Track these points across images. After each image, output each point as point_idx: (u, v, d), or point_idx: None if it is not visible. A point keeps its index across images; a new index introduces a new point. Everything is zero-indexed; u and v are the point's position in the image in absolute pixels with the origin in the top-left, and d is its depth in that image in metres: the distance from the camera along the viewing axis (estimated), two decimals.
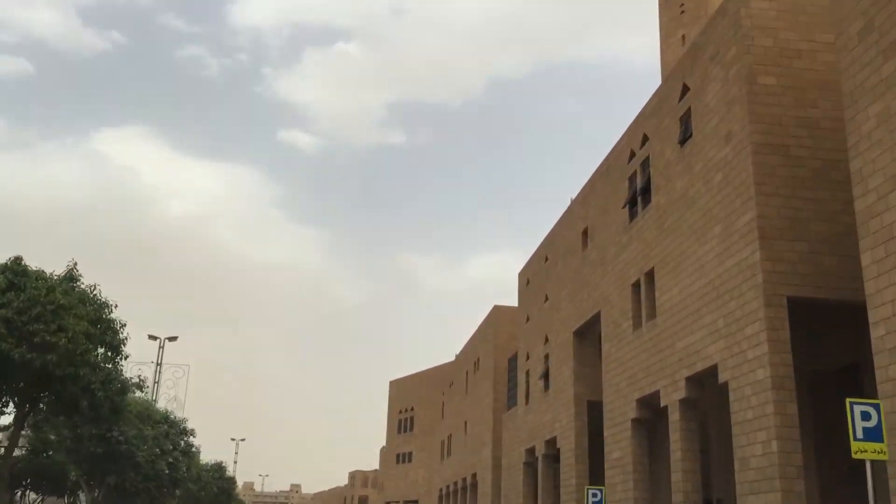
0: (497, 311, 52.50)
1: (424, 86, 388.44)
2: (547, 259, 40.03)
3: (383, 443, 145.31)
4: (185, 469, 32.57)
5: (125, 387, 19.56)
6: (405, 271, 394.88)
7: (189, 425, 35.42)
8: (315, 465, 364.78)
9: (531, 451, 40.68)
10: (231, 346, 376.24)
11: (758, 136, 20.69)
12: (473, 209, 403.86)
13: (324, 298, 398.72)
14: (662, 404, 24.81)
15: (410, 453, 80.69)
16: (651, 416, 27.33)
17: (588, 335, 34.55)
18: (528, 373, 42.27)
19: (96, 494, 27.80)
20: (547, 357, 38.54)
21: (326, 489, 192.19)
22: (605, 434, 29.70)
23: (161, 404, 41.81)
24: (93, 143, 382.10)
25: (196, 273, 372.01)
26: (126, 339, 19.47)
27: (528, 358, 42.34)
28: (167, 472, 29.83)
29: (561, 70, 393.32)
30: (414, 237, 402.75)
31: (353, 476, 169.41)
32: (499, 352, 51.12)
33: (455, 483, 61.64)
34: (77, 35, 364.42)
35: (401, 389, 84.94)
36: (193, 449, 35.73)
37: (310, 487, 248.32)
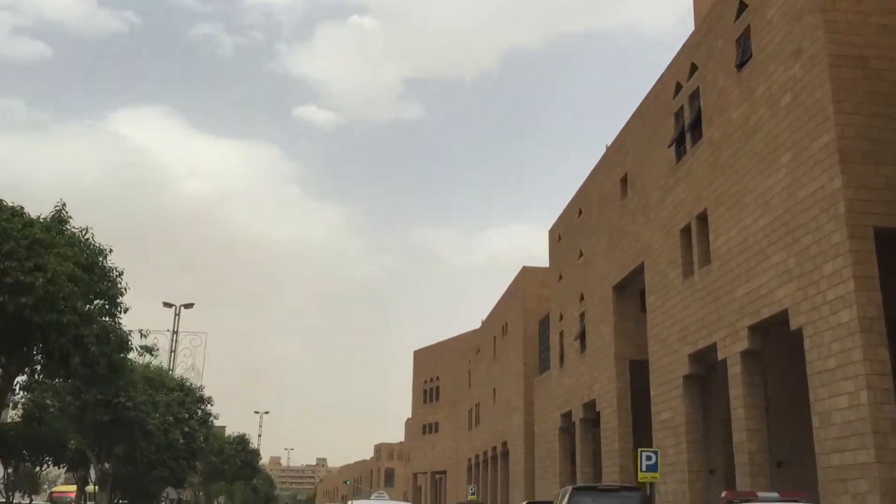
0: (525, 272, 50.21)
1: (440, 59, 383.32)
2: (581, 213, 37.61)
3: (408, 415, 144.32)
4: (202, 439, 30.70)
5: (123, 342, 17.50)
6: (423, 246, 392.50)
7: (206, 393, 33.63)
8: (340, 439, 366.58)
9: (567, 416, 38.56)
10: (251, 324, 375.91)
11: (834, 48, 18.13)
12: (490, 182, 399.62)
13: (343, 274, 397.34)
14: (721, 357, 22.49)
15: (437, 424, 78.99)
16: (705, 372, 25.05)
17: (628, 290, 32.22)
18: (561, 334, 40.04)
19: (106, 466, 25.93)
20: (583, 316, 36.27)
21: (352, 462, 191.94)
22: (653, 394, 27.45)
23: (178, 373, 40.06)
24: (109, 123, 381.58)
25: (214, 251, 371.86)
26: (125, 289, 17.40)
27: (561, 318, 40.09)
28: (182, 441, 27.93)
29: (577, 41, 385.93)
30: (431, 211, 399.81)
31: (378, 449, 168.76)
32: (528, 315, 48.90)
33: (484, 452, 59.81)
34: (92, 16, 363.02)
35: (425, 359, 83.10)
36: (211, 418, 34.01)
37: (335, 462, 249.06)
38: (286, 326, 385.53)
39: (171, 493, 43.35)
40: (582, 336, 36.14)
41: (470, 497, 49.53)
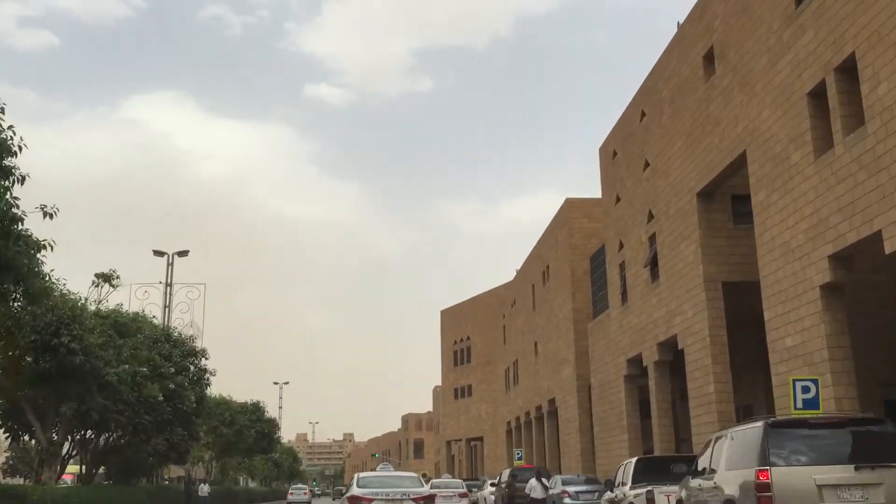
0: (570, 205, 43.84)
1: (449, 29, 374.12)
2: (644, 115, 31.14)
3: (436, 385, 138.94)
4: (193, 400, 24.81)
5: (23, 239, 11.64)
6: (443, 217, 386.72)
7: (203, 349, 27.72)
8: (368, 413, 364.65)
9: (635, 362, 32.43)
10: (274, 304, 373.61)
11: None
12: (507, 150, 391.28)
13: (364, 250, 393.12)
14: (889, 251, 16.14)
15: (469, 387, 73.21)
16: (849, 280, 18.72)
17: (716, 197, 25.88)
18: (622, 266, 33.79)
19: (55, 430, 19.96)
20: (653, 238, 29.95)
21: (380, 435, 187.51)
22: (769, 316, 21.16)
23: (176, 331, 34.28)
24: (123, 110, 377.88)
25: (235, 232, 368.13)
26: (19, 147, 11.48)
27: (621, 248, 33.81)
28: (161, 399, 22.02)
29: (590, 2, 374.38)
30: (449, 183, 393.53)
31: (405, 420, 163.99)
32: (576, 252, 42.63)
33: (527, 413, 53.91)
34: (98, 2, 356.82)
35: (454, 318, 77.19)
36: (207, 375, 28.15)
37: (362, 436, 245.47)
38: (310, 305, 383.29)
39: (203, 488, 37.71)
40: (653, 263, 29.85)
41: (516, 462, 43.67)
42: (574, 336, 41.76)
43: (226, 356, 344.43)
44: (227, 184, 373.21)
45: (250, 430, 43.95)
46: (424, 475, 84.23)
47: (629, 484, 18.08)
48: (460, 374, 74.58)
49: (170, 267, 35.66)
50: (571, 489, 25.36)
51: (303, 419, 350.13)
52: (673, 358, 28.85)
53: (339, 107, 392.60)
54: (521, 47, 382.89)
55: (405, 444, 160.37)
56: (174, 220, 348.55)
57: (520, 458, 44.26)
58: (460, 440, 74.62)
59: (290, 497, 56.40)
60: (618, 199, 34.41)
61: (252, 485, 74.11)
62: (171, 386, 23.01)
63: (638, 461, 15.82)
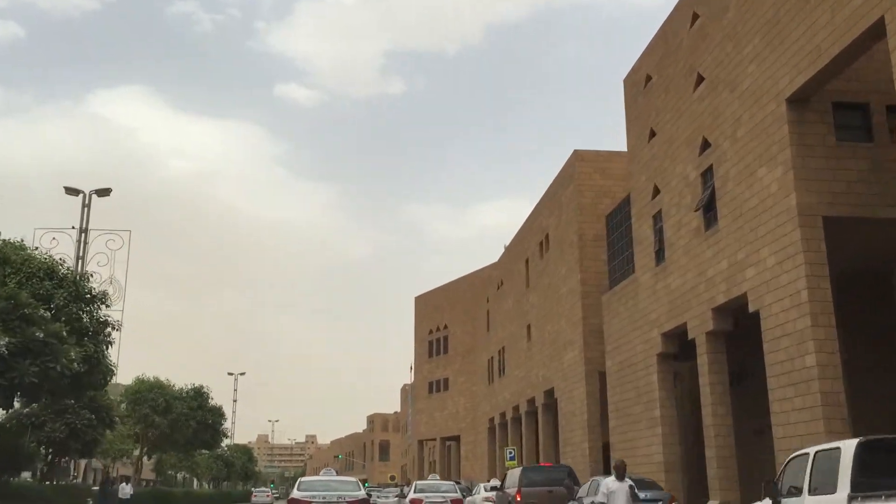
0: (578, 159, 37.01)
1: (421, 33, 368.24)
2: (696, 18, 24.39)
3: (404, 384, 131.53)
4: (74, 358, 17.32)
5: None
6: (410, 221, 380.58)
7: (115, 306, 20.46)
8: (332, 415, 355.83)
9: (674, 336, 25.69)
10: (239, 305, 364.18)
11: None
12: (475, 157, 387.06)
13: (331, 252, 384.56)
14: None
15: (446, 380, 66.11)
16: None
17: (812, 104, 19.19)
18: (657, 217, 27.04)
19: None
20: (709, 172, 23.21)
21: (343, 436, 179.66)
22: None
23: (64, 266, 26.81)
24: (89, 105, 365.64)
25: (200, 231, 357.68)
26: None
27: (655, 194, 27.05)
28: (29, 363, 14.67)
29: (561, 12, 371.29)
30: (417, 187, 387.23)
31: (371, 420, 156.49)
32: (585, 214, 35.83)
33: (515, 408, 47.01)
34: None
35: (429, 306, 70.08)
36: (110, 329, 20.74)
37: (326, 439, 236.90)
38: (275, 306, 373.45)
39: (124, 488, 30.00)
40: (708, 204, 23.09)
41: (508, 463, 36.75)
42: (582, 313, 34.94)
43: (185, 354, 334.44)
44: (193, 182, 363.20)
45: (190, 419, 36.50)
46: (392, 478, 77.11)
47: (845, 489, 9.51)
48: (436, 366, 67.48)
49: (86, 209, 28.13)
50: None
51: (264, 421, 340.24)
52: (740, 324, 22.14)
53: (309, 107, 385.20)
54: (491, 54, 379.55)
55: (370, 446, 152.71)
56: (138, 217, 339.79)
57: (512, 458, 37.33)
58: (434, 440, 67.46)
59: (253, 499, 59.15)
60: (652, 135, 27.64)
61: (197, 486, 66.44)
62: (39, 335, 15.67)
63: (863, 447, 8.02)
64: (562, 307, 37.82)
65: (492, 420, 54.41)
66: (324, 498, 17.18)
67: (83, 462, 42.98)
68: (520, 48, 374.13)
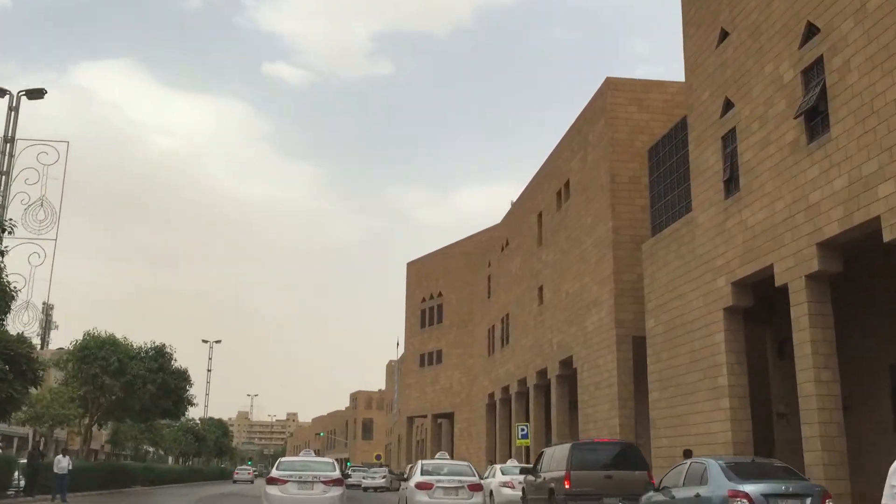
0: (611, 89, 31.48)
1: (412, 15, 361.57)
2: None
3: (390, 360, 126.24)
4: None
5: None
6: (396, 203, 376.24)
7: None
8: (314, 394, 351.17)
9: (748, 286, 20.40)
10: (222, 282, 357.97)
11: None
12: (463, 140, 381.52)
13: (316, 232, 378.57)
14: None
15: (439, 352, 60.77)
16: None
17: None
18: (728, 137, 21.65)
19: None
20: (816, 67, 17.79)
21: (325, 413, 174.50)
22: None
23: (15, 214, 21.42)
24: (74, 77, 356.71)
25: (185, 208, 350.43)
26: None
27: (726, 109, 21.65)
28: None
29: None
30: (404, 170, 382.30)
31: (354, 397, 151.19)
32: (619, 151, 30.43)
33: (521, 381, 41.78)
34: None
35: (422, 272, 64.60)
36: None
37: (308, 417, 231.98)
38: (258, 283, 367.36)
39: (60, 461, 24.46)
40: (814, 109, 17.69)
41: (519, 441, 31.50)
42: (613, 267, 29.59)
43: (162, 328, 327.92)
44: (177, 157, 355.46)
45: (148, 383, 30.90)
46: (378, 457, 72.13)
47: None
48: (428, 337, 62.10)
49: (12, 113, 22.44)
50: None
51: (245, 398, 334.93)
52: (867, 260, 16.86)
53: (297, 86, 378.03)
54: (482, 38, 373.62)
55: (353, 424, 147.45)
56: (122, 191, 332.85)
57: (525, 436, 32.08)
58: (425, 416, 62.16)
59: (235, 476, 63.27)
60: (723, 37, 22.17)
61: (172, 461, 60.95)
62: None
63: None
64: (585, 263, 32.46)
65: (491, 395, 49.19)
66: (300, 477, 17.85)
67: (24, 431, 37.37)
68: (510, 32, 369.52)
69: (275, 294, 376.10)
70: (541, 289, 39.13)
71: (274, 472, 18.26)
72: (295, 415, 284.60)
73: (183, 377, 34.74)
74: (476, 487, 19.01)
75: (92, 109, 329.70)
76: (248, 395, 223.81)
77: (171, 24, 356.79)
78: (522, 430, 32.05)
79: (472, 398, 54.91)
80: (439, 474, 19.99)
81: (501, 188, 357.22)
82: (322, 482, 17.77)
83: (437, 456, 23.71)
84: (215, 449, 66.70)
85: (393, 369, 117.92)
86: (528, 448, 37.57)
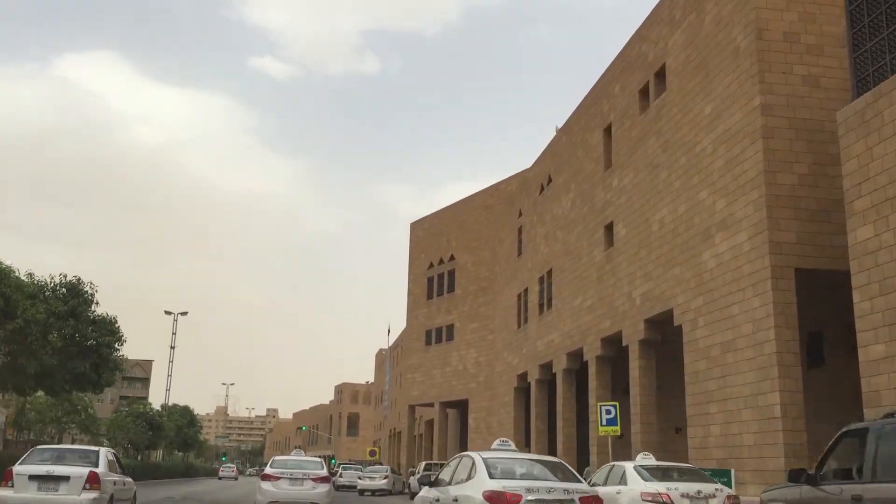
0: None
1: (399, 12, 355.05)
2: None
3: (380, 349, 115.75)
4: None
5: None
6: (379, 200, 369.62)
7: None
8: (296, 391, 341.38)
9: None
10: (201, 275, 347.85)
11: None
12: (448, 138, 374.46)
13: (298, 227, 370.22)
14: None
15: (450, 327, 50.34)
16: None
17: None
18: None
19: None
20: None
21: (307, 408, 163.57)
22: None
23: None
24: (55, 68, 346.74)
25: (166, 201, 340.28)
26: None
27: None
28: None
29: None
30: (388, 166, 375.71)
31: (339, 390, 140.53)
32: None
33: (573, 354, 31.66)
34: None
35: (430, 233, 54.19)
36: None
37: (289, 413, 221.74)
38: (240, 277, 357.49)
39: None
40: None
41: (603, 429, 21.17)
42: (764, 164, 19.35)
43: (140, 319, 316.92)
44: (161, 149, 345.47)
45: (51, 333, 20.47)
46: (373, 453, 61.85)
47: None
48: (437, 310, 51.66)
49: None
50: None
51: (223, 391, 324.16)
52: None
53: (282, 81, 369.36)
54: (468, 36, 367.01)
55: (338, 419, 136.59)
56: (104, 183, 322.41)
57: (612, 422, 21.66)
58: (431, 405, 51.67)
59: (221, 473, 66.15)
60: None
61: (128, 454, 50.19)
62: None
63: None
64: (701, 172, 22.22)
65: (523, 376, 38.97)
66: (291, 474, 19.45)
67: None
68: (497, 30, 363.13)
69: (256, 288, 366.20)
70: (609, 227, 28.91)
71: (268, 470, 19.84)
72: (275, 410, 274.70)
73: (108, 328, 24.12)
74: (591, 501, 10.26)
75: (74, 100, 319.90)
76: (224, 384, 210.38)
77: (157, 16, 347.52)
78: (608, 411, 21.54)
79: (492, 381, 44.57)
80: (532, 478, 10.80)
81: (486, 184, 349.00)
82: (311, 479, 19.47)
83: (496, 444, 13.37)
84: (178, 440, 55.99)
85: (384, 358, 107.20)
86: (605, 438, 27.29)
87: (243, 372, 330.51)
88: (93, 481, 13.86)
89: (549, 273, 35.60)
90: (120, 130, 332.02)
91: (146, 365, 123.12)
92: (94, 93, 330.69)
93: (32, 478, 13.76)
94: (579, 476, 11.65)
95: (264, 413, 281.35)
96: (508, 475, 10.44)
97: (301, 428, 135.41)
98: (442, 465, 36.68)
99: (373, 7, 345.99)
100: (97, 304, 23.31)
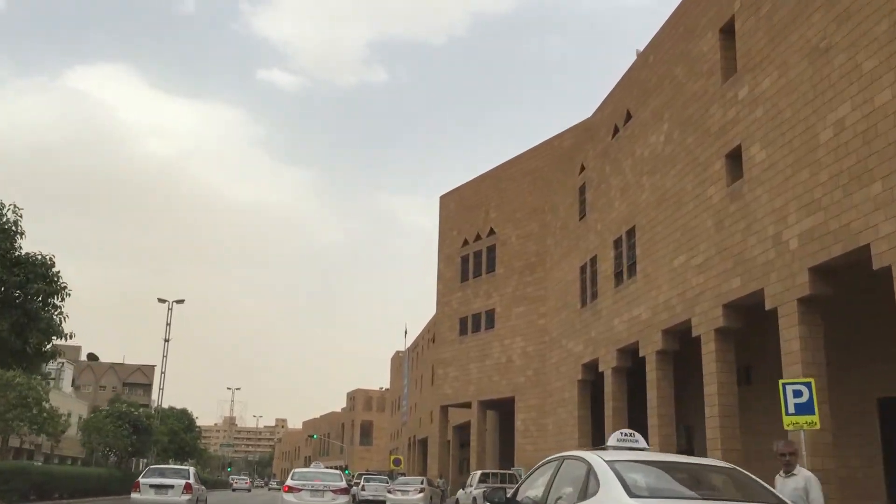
0: None
1: (406, 23, 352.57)
2: None
3: (396, 351, 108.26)
4: None
5: None
6: (388, 211, 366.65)
7: None
8: (309, 403, 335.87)
9: None
10: (213, 285, 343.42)
11: None
12: (456, 148, 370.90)
13: (307, 238, 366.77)
14: None
15: (491, 313, 42.75)
16: None
17: None
18: None
19: None
20: None
21: (318, 416, 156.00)
22: None
23: None
24: (67, 80, 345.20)
25: (176, 212, 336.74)
26: None
27: None
28: None
29: (547, 6, 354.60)
30: (396, 177, 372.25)
31: (352, 397, 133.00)
32: None
33: (669, 332, 24.22)
34: None
35: (465, 205, 46.75)
36: None
37: (298, 424, 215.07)
38: (250, 288, 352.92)
39: None
40: None
41: (793, 422, 13.80)
42: None
43: (148, 330, 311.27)
44: (170, 160, 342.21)
45: None
46: (397, 462, 54.36)
47: None
48: (473, 293, 44.19)
49: None
50: None
51: (237, 406, 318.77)
52: None
53: (291, 92, 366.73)
54: (476, 46, 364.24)
55: (350, 427, 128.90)
56: (113, 194, 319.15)
57: (808, 408, 14.16)
58: (467, 404, 44.01)
59: (234, 485, 69.05)
60: None
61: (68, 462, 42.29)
62: None
63: None
64: None
65: (590, 366, 31.51)
66: (313, 486, 20.33)
67: None
68: (504, 40, 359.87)
69: (264, 299, 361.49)
70: (734, 154, 21.46)
71: (290, 482, 20.73)
72: (284, 421, 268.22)
73: (40, 274, 16.69)
74: None
75: (85, 112, 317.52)
76: (229, 389, 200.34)
77: (166, 29, 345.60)
78: (798, 392, 13.80)
79: (547, 374, 37.03)
80: (695, 494, 5.47)
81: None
82: (332, 490, 20.36)
83: (616, 438, 6.04)
84: (172, 447, 48.53)
85: (401, 361, 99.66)
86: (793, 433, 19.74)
87: (252, 383, 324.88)
88: (188, 489, 21.89)
89: (631, 232, 28.15)
90: (131, 143, 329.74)
91: (148, 370, 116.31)
92: (105, 105, 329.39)
93: (152, 486, 21.73)
94: (772, 490, 4.89)
95: (273, 423, 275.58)
96: (658, 491, 5.40)
97: (312, 436, 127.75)
98: (504, 476, 28.93)
99: (380, 18, 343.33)
100: (22, 235, 16.01)
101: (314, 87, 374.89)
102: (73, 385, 76.93)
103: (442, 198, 49.16)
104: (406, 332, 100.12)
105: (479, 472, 26.79)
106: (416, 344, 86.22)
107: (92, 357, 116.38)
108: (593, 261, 31.96)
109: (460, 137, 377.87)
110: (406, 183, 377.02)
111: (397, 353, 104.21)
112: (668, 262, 24.96)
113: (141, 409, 37.97)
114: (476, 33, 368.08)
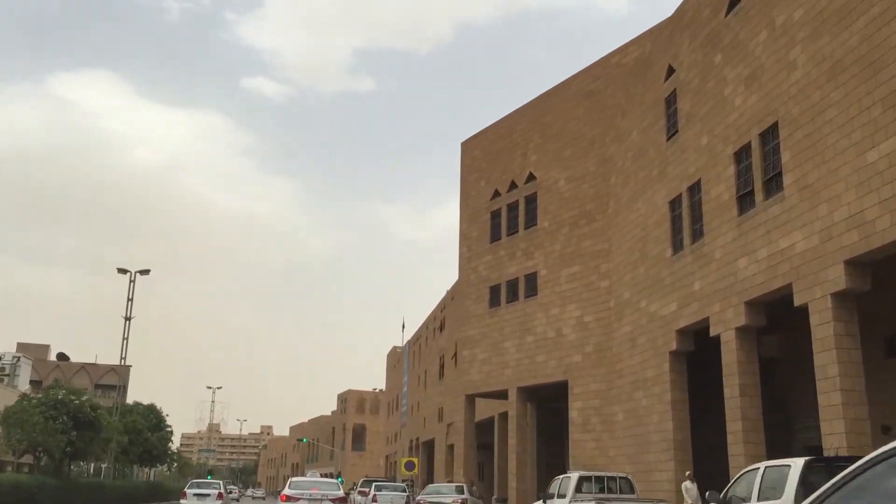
0: None
1: (392, 31, 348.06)
2: None
3: (393, 346, 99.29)
4: None
5: None
6: (375, 220, 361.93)
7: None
8: (295, 411, 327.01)
9: None
10: (200, 295, 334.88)
11: None
12: (443, 157, 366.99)
13: (294, 248, 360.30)
14: None
15: (531, 277, 33.94)
16: None
17: None
18: None
19: None
20: None
21: (305, 420, 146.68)
22: None
23: None
24: (52, 88, 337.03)
25: (163, 221, 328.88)
26: None
27: None
28: None
29: (532, 16, 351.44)
30: (383, 186, 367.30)
31: (343, 399, 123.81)
32: None
33: (853, 262, 15.73)
34: None
35: (494, 149, 38.12)
36: None
37: (282, 430, 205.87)
38: (236, 297, 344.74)
39: None
40: None
41: None
42: None
43: (135, 343, 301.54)
44: (157, 169, 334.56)
45: None
46: (410, 465, 45.37)
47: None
48: (507, 255, 35.53)
49: None
50: None
51: (231, 413, 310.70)
52: None
53: (277, 101, 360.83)
54: (462, 55, 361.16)
55: (341, 431, 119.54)
56: (101, 202, 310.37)
57: None
58: (501, 393, 35.11)
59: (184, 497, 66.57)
60: None
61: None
62: None
63: None
64: None
65: (688, 332, 23.04)
66: (310, 496, 20.31)
67: None
68: (490, 49, 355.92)
69: (250, 307, 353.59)
70: None
71: (286, 491, 20.87)
72: (269, 427, 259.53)
73: None
74: None
75: (69, 120, 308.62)
76: (209, 388, 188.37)
77: (151, 36, 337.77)
78: None
79: (617, 349, 28.44)
80: None
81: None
82: (329, 500, 20.41)
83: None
84: (135, 450, 39.53)
85: (399, 357, 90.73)
86: None
87: (236, 390, 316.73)
88: (220, 497, 32.21)
89: (769, 133, 19.70)
90: (117, 151, 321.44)
91: (123, 370, 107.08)
92: (91, 113, 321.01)
93: (195, 494, 32.05)
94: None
95: (258, 430, 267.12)
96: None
97: (301, 440, 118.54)
98: (606, 481, 20.45)
99: (365, 27, 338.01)
100: None
101: (300, 96, 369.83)
102: (30, 383, 67.73)
103: (463, 144, 40.52)
104: (404, 327, 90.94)
105: (575, 476, 18.25)
106: (417, 336, 77.49)
107: (62, 357, 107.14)
108: (694, 188, 23.49)
109: (446, 144, 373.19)
110: (393, 191, 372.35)
111: (394, 348, 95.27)
112: (853, 158, 16.52)
113: (86, 398, 29.15)
114: (461, 41, 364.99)
